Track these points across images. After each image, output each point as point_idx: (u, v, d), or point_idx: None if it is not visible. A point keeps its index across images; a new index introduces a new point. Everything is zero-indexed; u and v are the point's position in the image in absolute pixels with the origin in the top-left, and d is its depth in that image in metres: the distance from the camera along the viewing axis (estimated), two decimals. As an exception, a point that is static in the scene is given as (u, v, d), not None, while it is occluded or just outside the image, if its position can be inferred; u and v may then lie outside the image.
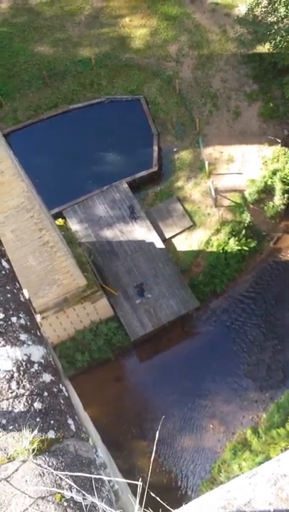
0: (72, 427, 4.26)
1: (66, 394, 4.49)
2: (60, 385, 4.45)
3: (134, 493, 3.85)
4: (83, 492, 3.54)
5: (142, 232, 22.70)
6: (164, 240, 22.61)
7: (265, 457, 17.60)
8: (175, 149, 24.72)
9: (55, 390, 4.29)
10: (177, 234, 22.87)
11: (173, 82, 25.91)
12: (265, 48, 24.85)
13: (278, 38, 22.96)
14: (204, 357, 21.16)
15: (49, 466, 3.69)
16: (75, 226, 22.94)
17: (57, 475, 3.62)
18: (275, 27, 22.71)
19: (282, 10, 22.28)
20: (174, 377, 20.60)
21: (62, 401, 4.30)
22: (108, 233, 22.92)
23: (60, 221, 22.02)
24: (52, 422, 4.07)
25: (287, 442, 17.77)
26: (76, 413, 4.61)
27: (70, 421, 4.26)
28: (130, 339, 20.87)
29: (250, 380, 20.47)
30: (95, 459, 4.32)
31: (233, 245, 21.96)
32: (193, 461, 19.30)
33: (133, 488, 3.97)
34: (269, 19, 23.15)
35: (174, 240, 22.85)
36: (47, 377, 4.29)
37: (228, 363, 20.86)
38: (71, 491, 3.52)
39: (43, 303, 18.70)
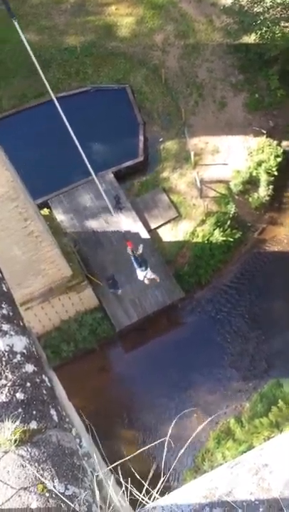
0: (55, 418, 4.25)
1: (49, 384, 4.48)
2: (43, 376, 4.43)
3: (119, 483, 3.87)
4: (65, 482, 3.54)
5: (127, 222, 22.66)
6: (150, 231, 22.61)
7: (248, 446, 17.78)
8: (161, 139, 24.67)
9: (37, 380, 4.28)
10: (162, 224, 22.88)
11: (159, 71, 25.79)
12: (251, 39, 24.83)
13: (264, 28, 22.99)
14: (189, 347, 21.26)
15: (31, 456, 3.68)
16: (60, 216, 22.82)
17: (39, 465, 3.61)
18: (261, 17, 22.72)
19: (268, 0, 22.27)
20: (159, 367, 20.67)
21: (44, 391, 4.28)
22: (93, 223, 22.84)
23: (45, 211, 21.90)
24: (34, 412, 4.05)
25: (270, 431, 17.96)
26: (59, 403, 4.61)
27: (52, 411, 4.25)
28: (115, 329, 20.89)
29: (234, 370, 20.62)
30: (78, 449, 4.32)
31: (218, 236, 22.02)
32: (178, 450, 19.42)
33: (117, 478, 3.98)
34: (255, 9, 23.16)
35: (159, 231, 22.85)
36: (29, 368, 4.28)
37: (213, 353, 20.99)
38: (53, 481, 3.51)
39: (28, 293, 18.64)
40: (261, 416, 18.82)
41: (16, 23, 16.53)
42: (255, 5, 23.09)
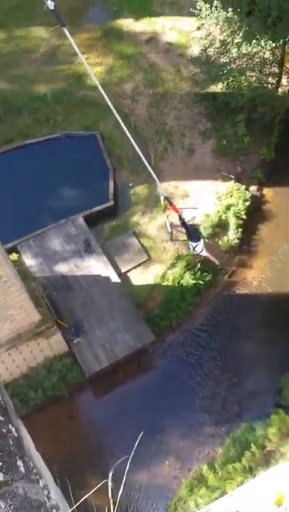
0: (22, 469, 4.13)
1: (16, 434, 4.36)
2: (10, 426, 4.32)
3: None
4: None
5: (97, 266, 22.65)
6: (120, 274, 22.61)
7: (221, 493, 17.42)
8: (131, 184, 24.99)
9: (4, 430, 4.17)
10: (133, 268, 22.92)
11: (128, 118, 26.34)
12: (218, 88, 25.65)
13: (230, 78, 23.78)
14: (160, 391, 20.99)
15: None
16: (29, 261, 22.69)
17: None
18: (228, 67, 23.52)
19: (234, 51, 23.15)
20: (130, 413, 20.32)
21: (11, 442, 4.17)
22: (63, 267, 22.76)
23: (14, 256, 21.75)
24: (0, 464, 3.93)
25: (244, 477, 17.68)
26: (26, 454, 4.48)
27: (19, 462, 4.13)
28: (85, 375, 20.55)
29: (206, 414, 20.38)
30: (45, 501, 4.19)
31: (188, 279, 22.14)
32: (149, 498, 18.92)
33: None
34: (222, 60, 23.98)
35: (129, 274, 22.87)
36: (-5, 418, 4.17)
37: (184, 398, 20.76)
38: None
39: (-5, 339, 18.29)
40: (234, 461, 18.53)
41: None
42: (222, 55, 23.93)
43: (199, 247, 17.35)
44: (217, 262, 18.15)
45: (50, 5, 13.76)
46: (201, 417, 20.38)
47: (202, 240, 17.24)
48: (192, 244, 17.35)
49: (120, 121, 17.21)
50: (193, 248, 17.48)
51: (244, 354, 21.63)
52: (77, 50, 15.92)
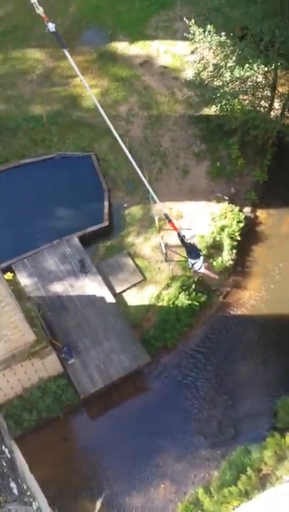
0: (15, 491, 4.07)
1: (9, 456, 4.30)
2: (3, 447, 4.27)
3: None
4: None
5: (92, 286, 22.60)
6: (115, 295, 22.55)
7: (217, 517, 17.19)
8: (125, 205, 25.09)
9: (-3, 451, 4.11)
10: (128, 288, 22.88)
11: (123, 140, 26.49)
12: (211, 110, 25.97)
13: (224, 101, 24.05)
14: (155, 414, 20.80)
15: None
16: (24, 280, 22.63)
17: None
18: (221, 91, 23.80)
19: (227, 75, 23.46)
20: (125, 435, 20.11)
21: (4, 463, 4.12)
22: (58, 287, 22.69)
23: (8, 275, 21.70)
24: (-7, 486, 3.87)
25: (240, 501, 17.44)
26: (20, 476, 4.41)
27: (12, 484, 4.07)
28: (80, 396, 20.36)
29: (201, 436, 20.18)
30: (39, 525, 4.12)
31: (183, 300, 22.11)
32: (145, 524, 18.64)
33: None
34: (215, 83, 24.30)
35: (124, 295, 22.82)
36: (-11, 439, 4.11)
37: (180, 420, 20.57)
38: None
39: (-11, 360, 18.15)
40: (230, 485, 18.29)
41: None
42: (215, 79, 24.24)
43: (198, 264, 17.21)
44: (216, 277, 18.09)
45: (51, 27, 13.98)
46: (196, 440, 20.18)
47: (202, 258, 17.22)
48: (191, 261, 17.25)
49: (120, 140, 17.32)
50: (192, 265, 17.39)
51: (239, 376, 21.51)
52: (77, 71, 16.12)
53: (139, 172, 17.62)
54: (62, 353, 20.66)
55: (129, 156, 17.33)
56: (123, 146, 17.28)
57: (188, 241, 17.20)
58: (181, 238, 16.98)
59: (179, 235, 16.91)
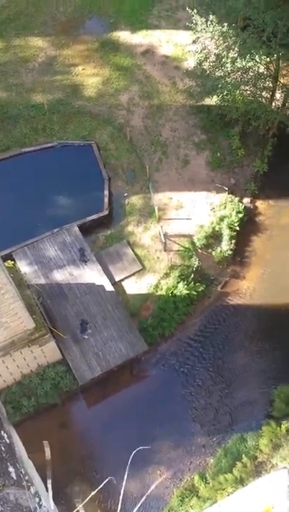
0: (13, 475, 4.25)
1: (8, 441, 4.48)
2: (2, 432, 4.45)
3: None
4: None
5: (92, 275, 22.76)
6: (114, 283, 22.72)
7: (212, 503, 17.48)
8: (126, 194, 25.17)
9: (-4, 436, 4.28)
10: (127, 277, 23.05)
11: (124, 129, 26.59)
12: (212, 101, 25.93)
13: (225, 91, 24.01)
14: (153, 401, 21.06)
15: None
16: (24, 268, 22.79)
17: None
18: (222, 81, 23.75)
19: (228, 65, 23.39)
20: (122, 422, 20.36)
21: (3, 448, 4.29)
22: (58, 276, 22.86)
23: (9, 263, 21.83)
24: (-8, 469, 4.04)
25: (235, 488, 17.72)
26: (18, 461, 4.60)
27: (10, 468, 4.25)
28: (78, 383, 20.61)
29: (198, 424, 20.45)
30: (36, 508, 4.30)
31: (181, 289, 22.28)
32: (141, 509, 18.91)
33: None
34: (217, 73, 24.21)
35: (123, 283, 23.00)
36: (-12, 424, 4.29)
37: (177, 407, 20.81)
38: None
39: (-12, 346, 18.36)
40: (226, 472, 18.59)
41: None
42: (217, 69, 24.16)
43: None
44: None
45: None
46: (192, 427, 20.44)
47: None
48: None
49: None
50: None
51: (236, 364, 21.73)
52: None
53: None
54: (78, 329, 21.22)
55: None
56: None
57: None
58: None
59: None
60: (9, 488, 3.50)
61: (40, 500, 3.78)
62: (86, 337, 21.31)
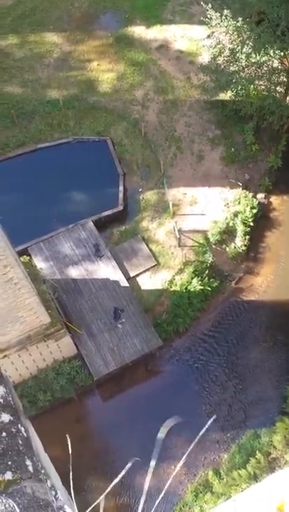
0: (30, 468, 4.31)
1: (25, 434, 4.55)
2: (19, 426, 4.51)
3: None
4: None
5: (106, 270, 22.87)
6: (129, 279, 22.80)
7: (226, 499, 17.53)
8: (140, 190, 25.21)
9: (13, 430, 4.35)
10: (141, 273, 23.12)
11: (139, 125, 26.59)
12: (227, 96, 25.84)
13: (239, 86, 23.93)
14: (167, 396, 21.12)
15: (5, 508, 3.74)
16: (40, 263, 22.95)
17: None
18: (237, 76, 23.68)
19: (243, 60, 23.31)
20: (136, 417, 20.47)
21: (20, 441, 4.36)
22: (73, 271, 22.99)
23: (25, 258, 22.00)
24: (9, 463, 4.12)
25: (249, 483, 17.77)
26: (35, 454, 4.67)
27: (28, 462, 4.32)
28: (93, 378, 20.76)
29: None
30: (52, 501, 4.36)
31: (196, 285, 22.30)
32: (155, 504, 19.03)
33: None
34: (231, 68, 24.16)
35: (138, 279, 23.06)
36: (5, 418, 4.36)
37: (191, 403, 20.88)
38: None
39: (5, 341, 18.52)
40: (239, 468, 18.65)
41: None
42: (231, 64, 24.09)
43: None
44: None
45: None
46: (206, 423, 20.42)
47: None
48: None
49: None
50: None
51: (250, 360, 21.73)
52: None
53: None
54: (113, 316, 21.51)
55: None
56: None
57: None
58: None
59: None
60: (26, 481, 3.56)
61: (56, 493, 3.84)
62: (120, 326, 21.37)
